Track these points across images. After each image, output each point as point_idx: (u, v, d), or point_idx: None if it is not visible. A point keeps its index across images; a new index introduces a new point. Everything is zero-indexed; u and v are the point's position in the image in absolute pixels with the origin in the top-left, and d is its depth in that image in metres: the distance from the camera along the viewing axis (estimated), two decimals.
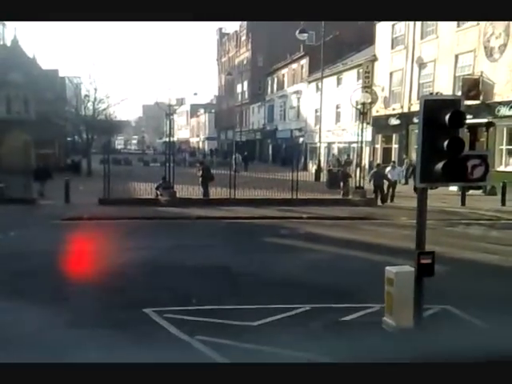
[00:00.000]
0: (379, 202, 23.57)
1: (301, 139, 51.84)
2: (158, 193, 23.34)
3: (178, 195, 23.28)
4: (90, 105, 44.67)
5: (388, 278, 7.86)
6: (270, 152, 63.61)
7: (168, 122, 25.42)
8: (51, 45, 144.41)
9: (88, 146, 45.63)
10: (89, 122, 44.56)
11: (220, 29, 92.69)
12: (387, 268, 7.99)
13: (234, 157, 41.10)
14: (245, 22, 74.52)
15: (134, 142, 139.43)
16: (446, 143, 6.54)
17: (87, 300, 9.59)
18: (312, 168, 40.88)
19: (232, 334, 7.69)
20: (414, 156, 32.48)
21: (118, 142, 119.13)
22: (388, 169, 25.46)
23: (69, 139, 58.05)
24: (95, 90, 43.50)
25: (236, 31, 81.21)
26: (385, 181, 24.15)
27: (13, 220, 18.71)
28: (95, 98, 44.03)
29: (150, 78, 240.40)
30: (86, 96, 45.22)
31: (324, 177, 31.64)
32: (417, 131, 6.99)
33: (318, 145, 42.75)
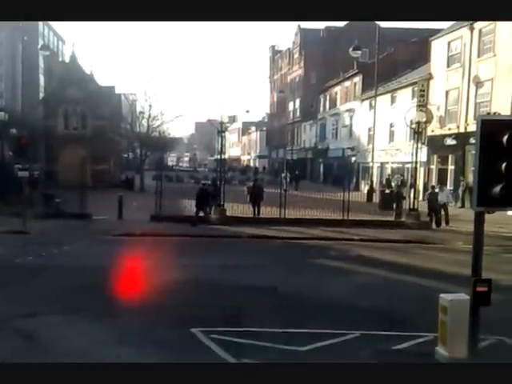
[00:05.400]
0: (434, 225, 22.95)
1: (353, 158, 51.27)
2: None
3: (228, 213, 23.32)
4: (144, 121, 45.53)
5: (442, 305, 7.61)
6: (322, 171, 63.14)
7: (220, 140, 25.53)
8: (109, 61, 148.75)
9: (141, 162, 46.45)
10: (143, 139, 45.39)
11: (273, 46, 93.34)
12: (441, 295, 7.72)
13: (283, 175, 40.99)
14: (298, 39, 74.75)
15: (186, 159, 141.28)
16: (504, 165, 6.29)
17: (135, 317, 9.63)
18: (364, 188, 40.32)
19: (280, 359, 7.50)
20: (471, 178, 31.63)
21: (171, 159, 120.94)
22: (436, 190, 24.84)
23: (123, 155, 59.26)
24: (150, 106, 44.38)
25: (289, 48, 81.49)
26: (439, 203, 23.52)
27: (68, 235, 19.16)
28: (150, 115, 44.83)
29: (203, 96, 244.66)
30: (141, 113, 46.14)
31: (376, 198, 31.11)
32: (474, 152, 6.73)
33: (371, 164, 42.20)
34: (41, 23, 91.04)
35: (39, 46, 46.57)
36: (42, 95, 62.95)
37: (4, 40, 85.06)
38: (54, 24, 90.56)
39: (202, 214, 22.74)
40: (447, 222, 23.22)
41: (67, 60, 49.60)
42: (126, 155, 60.60)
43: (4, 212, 22.58)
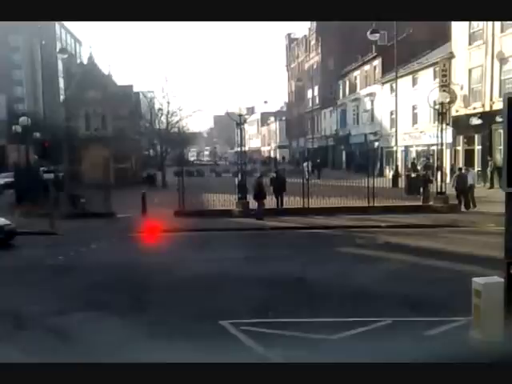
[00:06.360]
0: (463, 208, 22.44)
1: (376, 143, 50.54)
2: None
3: (250, 205, 23.14)
4: (163, 118, 45.72)
5: (475, 289, 7.45)
6: (344, 158, 62.40)
7: (239, 132, 25.41)
8: (125, 61, 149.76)
9: (162, 158, 46.68)
10: (163, 136, 45.64)
11: (289, 34, 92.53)
12: (474, 279, 7.53)
13: (304, 164, 40.79)
14: (314, 26, 73.90)
15: (207, 153, 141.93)
16: None
17: (163, 311, 9.69)
18: (389, 173, 39.79)
19: (310, 348, 7.39)
20: (498, 157, 30.94)
21: (191, 154, 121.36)
22: (463, 172, 24.35)
23: (144, 153, 59.57)
24: (168, 103, 44.46)
25: (305, 36, 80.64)
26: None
27: (94, 233, 19.32)
28: (168, 112, 44.99)
29: (221, 89, 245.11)
30: (160, 110, 46.25)
31: (402, 182, 30.62)
32: (501, 131, 6.44)
33: (395, 149, 41.55)
34: (58, 26, 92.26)
35: (57, 50, 46.95)
36: (62, 98, 63.55)
37: (22, 45, 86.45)
38: (71, 26, 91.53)
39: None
40: (474, 205, 22.70)
41: (85, 62, 49.96)
42: (146, 152, 60.86)
43: (32, 214, 23.02)
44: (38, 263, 14.50)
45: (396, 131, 40.71)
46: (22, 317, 9.51)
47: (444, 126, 24.09)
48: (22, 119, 36.89)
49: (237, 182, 24.15)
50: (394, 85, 41.80)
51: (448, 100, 25.08)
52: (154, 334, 8.44)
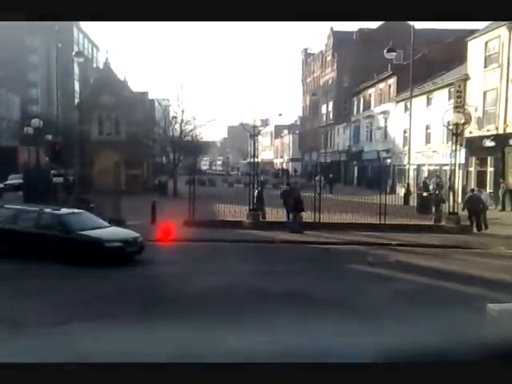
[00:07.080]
0: (475, 230, 22.16)
1: (388, 161, 50.47)
2: None
3: (261, 218, 23.01)
4: (177, 126, 45.70)
5: (490, 315, 7.20)
6: (356, 174, 62.41)
7: (252, 143, 25.37)
8: (142, 67, 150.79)
9: (175, 166, 46.62)
10: (176, 143, 45.57)
11: (305, 49, 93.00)
12: (489, 305, 7.30)
13: (316, 178, 40.62)
14: (330, 42, 74.22)
15: (219, 163, 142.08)
16: None
17: (171, 324, 9.41)
18: (400, 191, 39.61)
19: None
20: (511, 180, 30.74)
21: (204, 163, 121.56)
22: (475, 193, 24.10)
23: (156, 160, 59.67)
24: (183, 111, 44.50)
25: (321, 51, 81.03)
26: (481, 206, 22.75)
27: None
28: (182, 120, 44.98)
29: (236, 99, 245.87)
30: (174, 118, 46.31)
31: (414, 201, 30.43)
32: None
33: (407, 167, 41.35)
34: (75, 30, 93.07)
35: (74, 53, 47.21)
36: (76, 101, 63.89)
37: (39, 47, 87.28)
38: (89, 31, 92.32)
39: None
40: (486, 226, 22.46)
41: (101, 66, 50.23)
42: (159, 159, 61.01)
43: None
44: (42, 270, 14.03)
45: (409, 150, 40.54)
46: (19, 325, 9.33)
47: (457, 146, 23.93)
48: (34, 121, 36.82)
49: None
50: (408, 104, 41.73)
51: (462, 121, 24.87)
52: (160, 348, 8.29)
